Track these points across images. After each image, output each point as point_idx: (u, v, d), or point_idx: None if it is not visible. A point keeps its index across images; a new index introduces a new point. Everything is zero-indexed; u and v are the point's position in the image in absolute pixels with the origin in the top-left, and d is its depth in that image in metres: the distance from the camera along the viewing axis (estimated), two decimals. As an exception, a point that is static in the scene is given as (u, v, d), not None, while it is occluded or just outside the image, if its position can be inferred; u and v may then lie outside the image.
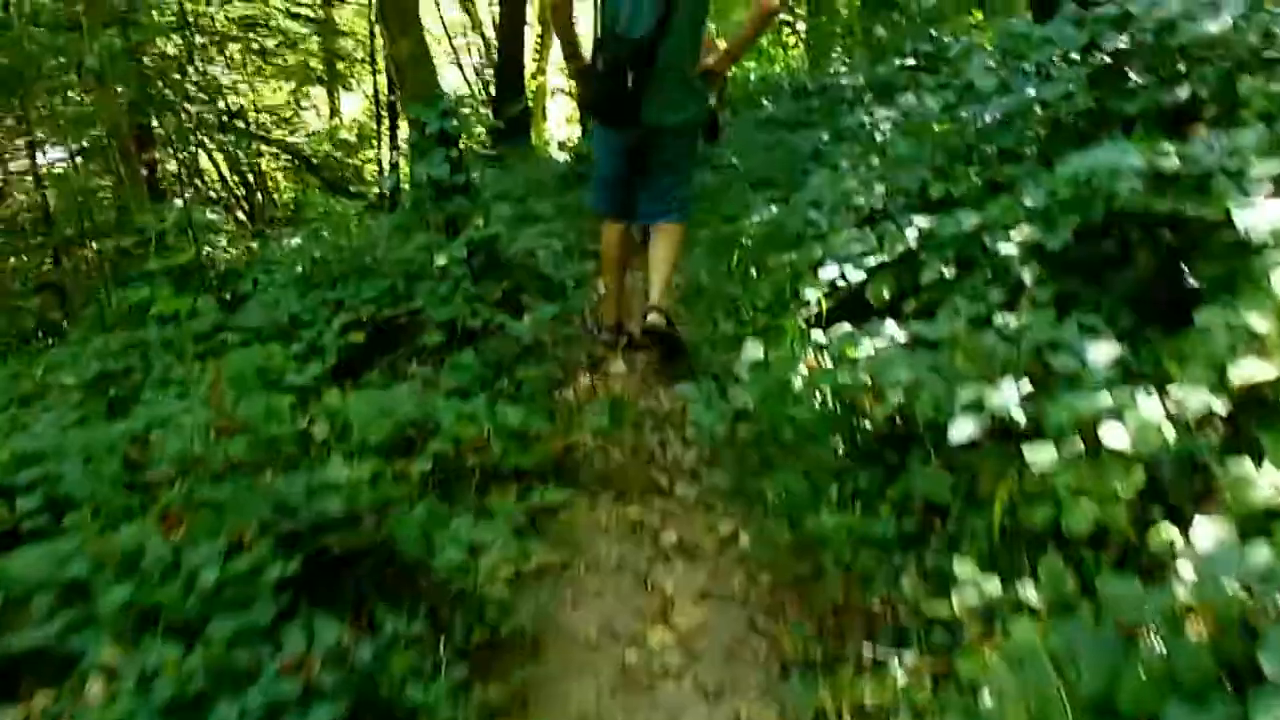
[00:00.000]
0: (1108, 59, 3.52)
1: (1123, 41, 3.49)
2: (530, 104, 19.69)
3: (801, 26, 16.40)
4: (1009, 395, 2.19)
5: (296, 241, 5.78)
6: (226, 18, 13.20)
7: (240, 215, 14.14)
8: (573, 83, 4.58)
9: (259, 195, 14.07)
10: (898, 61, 6.55)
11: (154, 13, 9.30)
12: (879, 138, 4.60)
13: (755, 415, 3.07)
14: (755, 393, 3.03)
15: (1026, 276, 2.96)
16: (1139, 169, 2.86)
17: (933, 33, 7.39)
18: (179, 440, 2.53)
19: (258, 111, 14.49)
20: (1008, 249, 3.05)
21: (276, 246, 5.57)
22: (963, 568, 2.06)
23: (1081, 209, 2.93)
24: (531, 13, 16.26)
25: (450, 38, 18.68)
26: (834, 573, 2.47)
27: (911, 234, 3.32)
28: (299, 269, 4.91)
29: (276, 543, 2.07)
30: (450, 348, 3.82)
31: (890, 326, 3.08)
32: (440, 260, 4.12)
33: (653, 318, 3.93)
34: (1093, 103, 3.48)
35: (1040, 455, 2.02)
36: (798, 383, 3.02)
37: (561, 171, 9.20)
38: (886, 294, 3.34)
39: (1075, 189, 2.96)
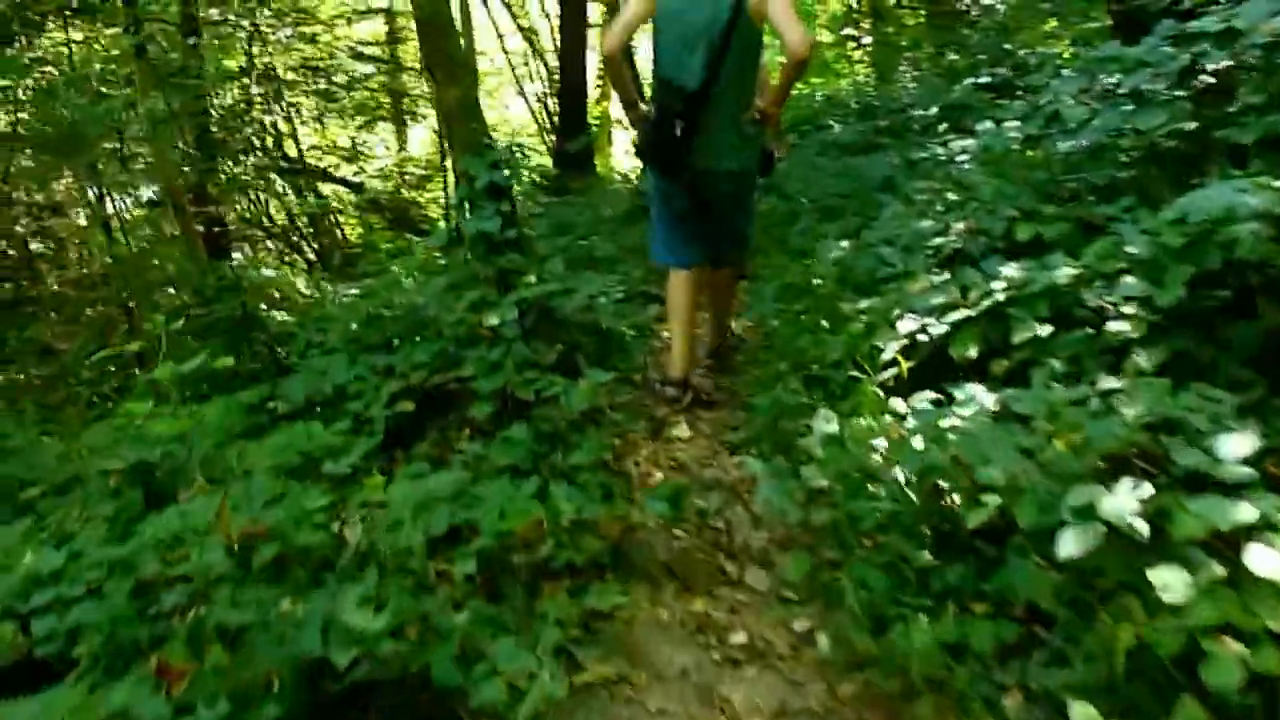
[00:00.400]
0: (1211, 80, 3.17)
1: (1229, 61, 3.13)
2: (595, 132, 19.65)
3: (867, 40, 15.99)
4: (1125, 502, 1.87)
5: (354, 292, 5.63)
6: (287, 65, 13.32)
7: (310, 258, 14.22)
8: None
9: (326, 238, 14.13)
10: (970, 81, 6.19)
11: (211, 66, 9.39)
12: (954, 170, 4.26)
13: (830, 495, 2.78)
14: (830, 472, 2.75)
15: (1133, 335, 2.63)
16: (1258, 210, 2.53)
17: (1006, 46, 7.00)
18: (199, 553, 2.33)
19: (323, 152, 14.57)
20: (1109, 303, 2.72)
21: (332, 301, 5.43)
22: (1080, 710, 1.75)
23: (1195, 257, 2.59)
24: (593, 41, 16.17)
25: (513, 67, 18.68)
26: (925, 690, 2.17)
27: (999, 285, 2.99)
28: (353, 325, 4.76)
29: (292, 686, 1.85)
30: (502, 419, 3.60)
31: (978, 392, 2.77)
32: (491, 320, 3.91)
33: (697, 380, 4.17)
34: (1196, 131, 3.13)
35: (1169, 581, 1.70)
36: (876, 458, 2.74)
37: (625, 206, 8.97)
38: (972, 352, 3.02)
39: (1186, 234, 2.62)
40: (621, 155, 19.23)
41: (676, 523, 3.15)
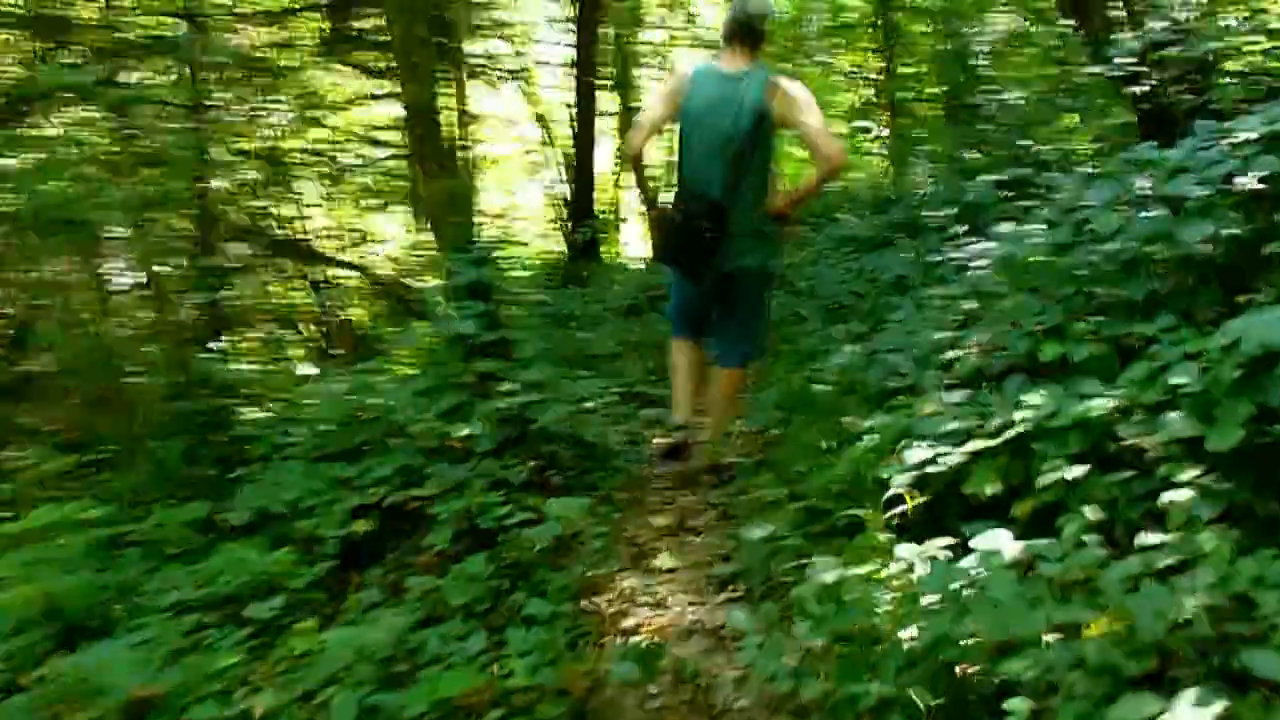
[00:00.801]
0: (1260, 187, 2.83)
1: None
2: (604, 221, 19.57)
3: (883, 133, 15.89)
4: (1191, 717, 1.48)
5: (338, 387, 5.29)
6: (294, 149, 13.24)
7: (315, 343, 13.97)
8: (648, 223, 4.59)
9: (332, 322, 13.89)
10: (987, 178, 5.91)
11: (214, 149, 9.30)
12: (971, 275, 3.92)
13: (825, 659, 2.38)
14: (825, 633, 2.35)
15: (1181, 480, 2.25)
16: (1327, 338, 2.17)
17: (1024, 142, 6.73)
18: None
19: (328, 236, 14.44)
20: (1152, 442, 2.35)
21: (307, 398, 5.09)
22: None
23: (1253, 392, 2.22)
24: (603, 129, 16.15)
25: (529, 154, 18.69)
26: None
27: (1023, 414, 2.63)
28: (321, 427, 4.41)
29: None
30: (463, 546, 3.23)
31: (1000, 541, 2.39)
32: (461, 432, 3.56)
33: (674, 437, 4.20)
34: (1244, 243, 2.79)
35: None
36: (880, 618, 2.34)
37: (629, 297, 8.68)
38: (991, 489, 2.64)
39: (1241, 364, 2.25)
40: (634, 241, 19.12)
41: (650, 678, 2.74)
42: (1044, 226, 3.54)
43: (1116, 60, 6.64)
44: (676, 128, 3.98)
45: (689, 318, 4.26)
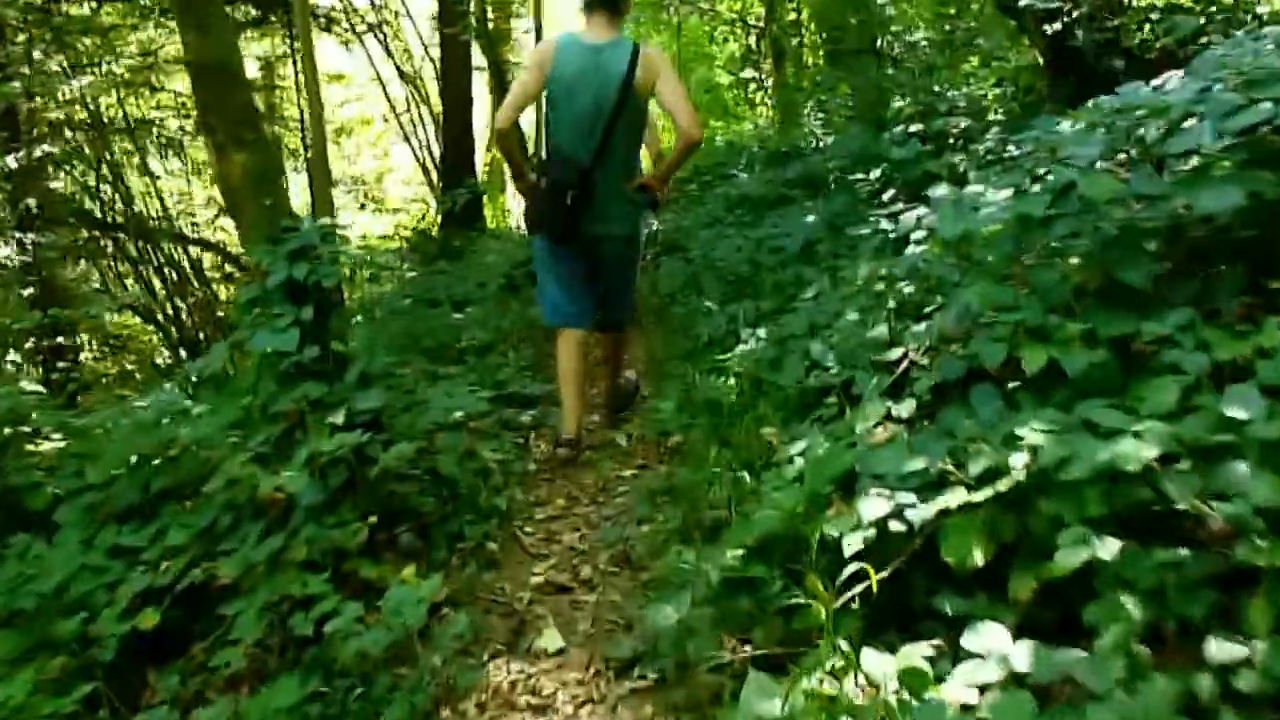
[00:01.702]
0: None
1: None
2: (483, 183, 18.53)
3: (770, 83, 15.21)
4: None
5: (140, 408, 4.32)
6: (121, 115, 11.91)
7: (169, 329, 12.72)
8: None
9: (193, 308, 12.65)
10: (900, 129, 5.25)
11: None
12: (911, 255, 3.24)
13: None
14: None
15: (1258, 565, 1.60)
16: None
17: (937, 88, 6.10)
18: None
19: (178, 212, 13.12)
20: (1205, 505, 1.68)
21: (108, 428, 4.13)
22: None
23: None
24: (483, 85, 15.08)
25: (397, 114, 17.45)
26: None
27: (1018, 459, 1.94)
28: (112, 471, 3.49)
29: None
30: (276, 656, 2.41)
31: (1002, 644, 1.72)
32: (268, 486, 2.73)
33: (561, 453, 4.11)
34: (1274, 212, 2.15)
35: None
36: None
37: (507, 269, 7.80)
38: (977, 558, 1.96)
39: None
40: (515, 204, 18.15)
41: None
42: (1005, 190, 2.84)
43: (1027, -5, 6.06)
44: (544, 98, 4.05)
45: (563, 296, 4.23)
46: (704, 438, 3.58)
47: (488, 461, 3.80)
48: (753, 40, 17.40)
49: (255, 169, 3.40)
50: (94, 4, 11.84)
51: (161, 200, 13.18)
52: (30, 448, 4.04)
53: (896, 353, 2.89)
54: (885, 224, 3.78)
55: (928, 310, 3.02)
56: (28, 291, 10.52)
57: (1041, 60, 7.23)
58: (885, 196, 4.43)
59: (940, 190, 3.41)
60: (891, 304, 3.12)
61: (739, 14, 16.11)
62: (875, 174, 4.93)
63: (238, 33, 12.51)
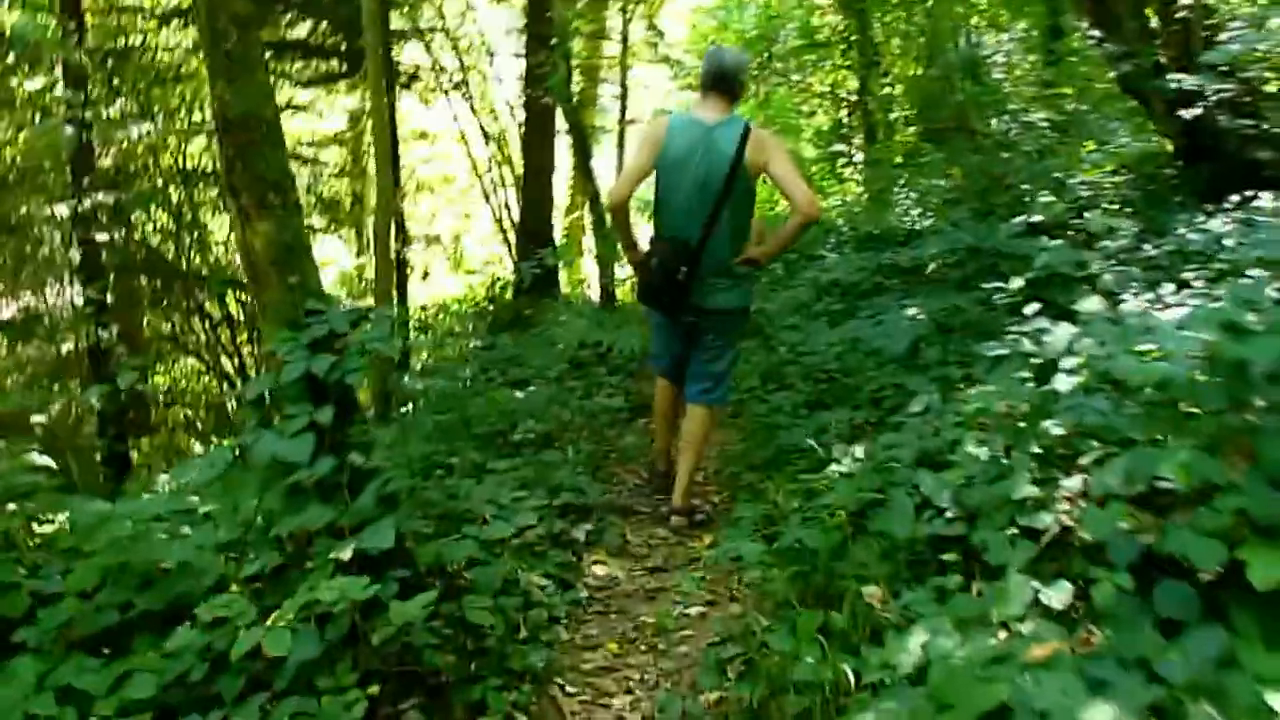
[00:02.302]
0: None
1: None
2: (561, 249, 18.25)
3: (859, 157, 14.67)
4: None
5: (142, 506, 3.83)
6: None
7: (231, 371, 12.53)
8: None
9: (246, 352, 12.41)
10: (1020, 220, 4.64)
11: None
12: (1064, 379, 2.63)
13: None
14: None
15: None
16: None
17: (1059, 175, 5.49)
18: None
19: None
20: None
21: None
22: None
23: None
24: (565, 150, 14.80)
25: (479, 174, 17.29)
26: None
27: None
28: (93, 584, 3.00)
29: None
30: None
31: None
32: (247, 643, 2.20)
33: (675, 520, 4.27)
34: None
35: None
36: None
37: (575, 345, 7.28)
38: None
39: None
40: (591, 271, 17.79)
41: None
42: (1176, 309, 2.23)
43: (1169, 77, 5.45)
44: (654, 176, 4.05)
45: (668, 358, 4.46)
46: (788, 588, 2.96)
47: (530, 590, 3.25)
48: (844, 114, 16.95)
49: (281, 241, 2.93)
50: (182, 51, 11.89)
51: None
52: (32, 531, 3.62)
53: (1045, 519, 2.27)
54: (1014, 335, 3.17)
55: (1083, 461, 2.40)
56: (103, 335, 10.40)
57: (1171, 147, 6.58)
58: (1006, 296, 3.77)
59: (1091, 303, 2.80)
60: (1035, 448, 2.50)
61: (831, 87, 15.65)
62: (1001, 274, 4.28)
63: (324, 86, 12.43)
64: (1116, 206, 5.66)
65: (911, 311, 5.56)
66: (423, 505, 3.41)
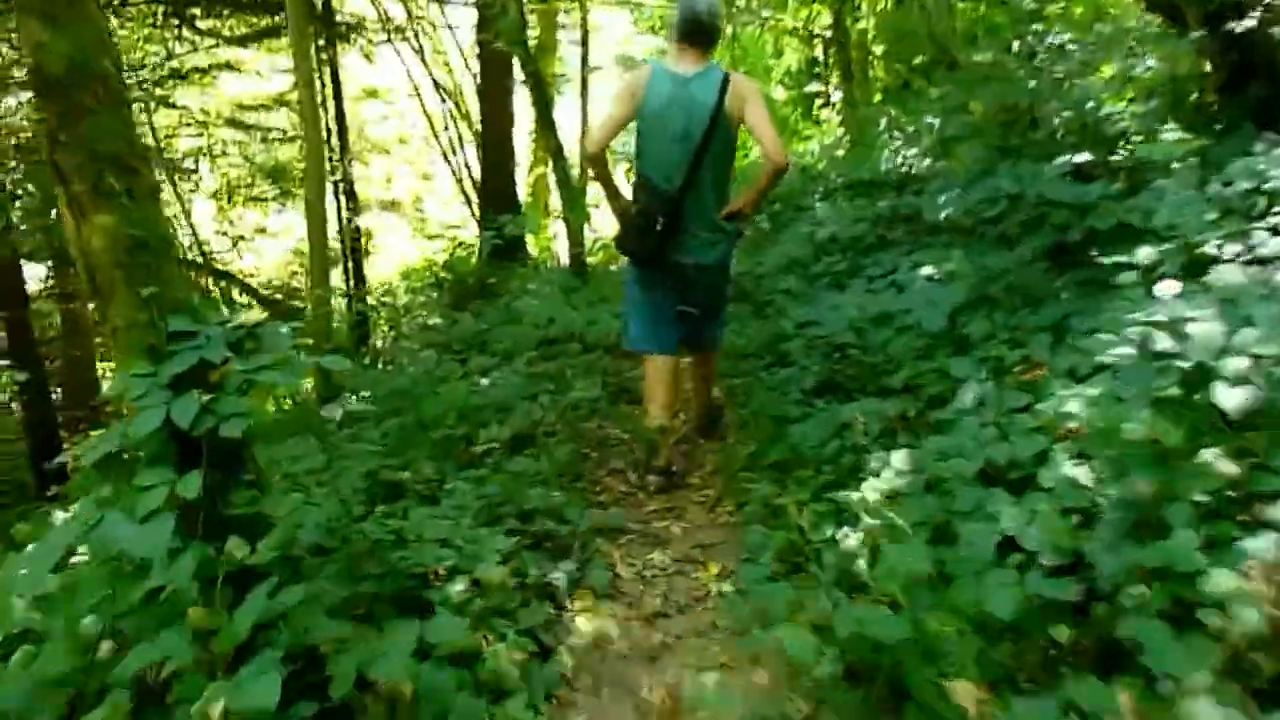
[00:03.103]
0: None
1: None
2: (526, 213, 17.35)
3: (837, 96, 13.79)
4: None
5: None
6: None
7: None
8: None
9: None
10: (1063, 159, 3.88)
11: None
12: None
13: None
14: None
15: None
16: None
17: (1092, 104, 4.68)
18: None
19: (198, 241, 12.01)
20: None
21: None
22: None
23: None
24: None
25: (436, 134, 16.31)
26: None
27: None
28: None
29: None
30: None
31: None
32: None
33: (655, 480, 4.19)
34: None
35: None
36: None
37: (540, 329, 6.45)
38: None
39: None
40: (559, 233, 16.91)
41: None
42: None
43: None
44: (636, 129, 4.04)
45: (652, 321, 4.26)
46: (834, 665, 2.23)
47: (495, 668, 2.51)
48: (818, 52, 16.05)
49: (127, 238, 2.14)
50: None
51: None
52: None
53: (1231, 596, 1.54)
54: (1117, 315, 2.43)
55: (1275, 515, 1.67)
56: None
57: (1210, 68, 5.80)
58: (1111, 269, 2.99)
59: (1229, 273, 2.06)
60: (1201, 496, 1.76)
61: (803, 23, 14.70)
62: (1059, 227, 3.46)
63: (260, 42, 11.38)
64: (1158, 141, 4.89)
65: (926, 270, 4.82)
66: (354, 562, 2.65)
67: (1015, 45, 5.43)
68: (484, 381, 5.54)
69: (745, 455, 4.16)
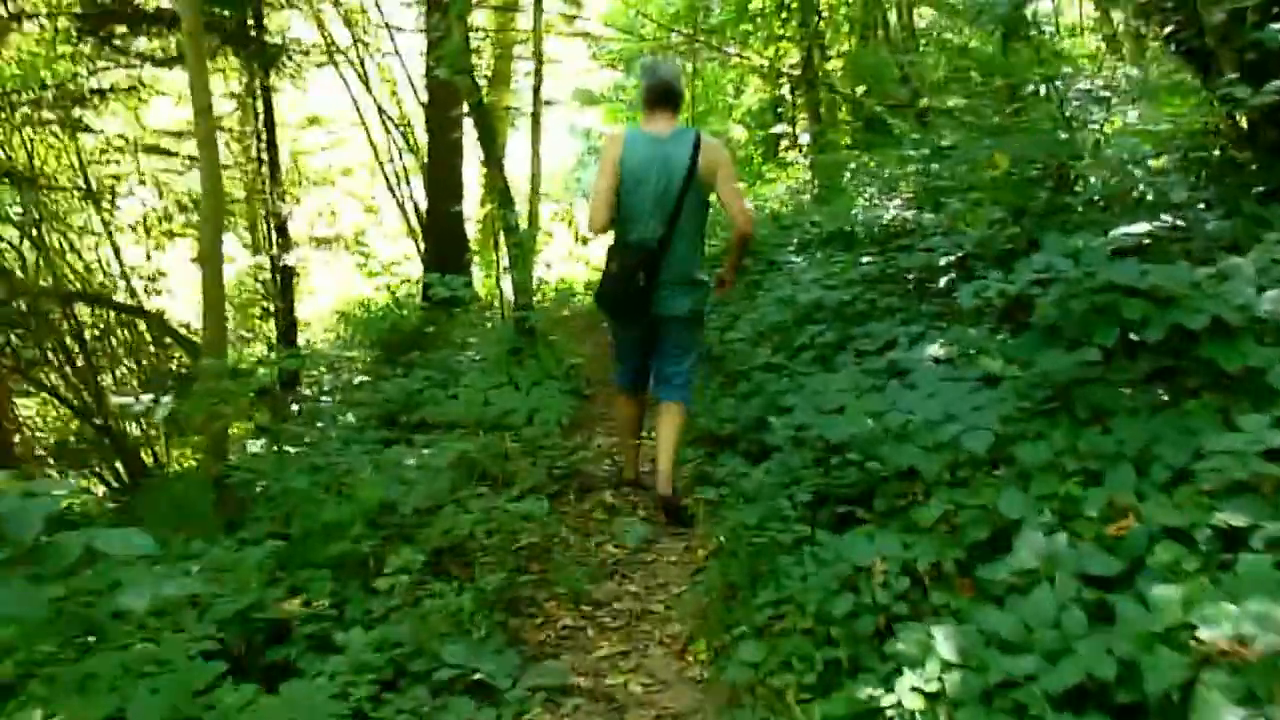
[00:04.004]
0: None
1: None
2: (478, 242, 16.51)
3: (805, 139, 13.09)
4: None
5: None
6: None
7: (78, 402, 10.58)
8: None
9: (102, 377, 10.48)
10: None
11: None
12: None
13: None
14: None
15: None
16: None
17: (1112, 149, 3.92)
18: None
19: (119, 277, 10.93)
20: None
21: None
22: None
23: None
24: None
25: (381, 165, 15.41)
26: None
27: None
28: None
29: None
30: None
31: None
32: None
33: (662, 492, 4.33)
34: None
35: None
36: None
37: (479, 391, 5.58)
38: None
39: None
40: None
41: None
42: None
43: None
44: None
45: (630, 368, 4.62)
46: None
47: None
48: (783, 90, 15.41)
49: None
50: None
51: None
52: None
53: None
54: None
55: None
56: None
57: (1245, 125, 5.14)
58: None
59: None
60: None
61: (770, 61, 14.02)
62: (1129, 323, 2.68)
63: (169, 65, 10.36)
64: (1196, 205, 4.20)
65: (933, 351, 4.07)
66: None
67: (1036, 90, 4.69)
68: (409, 461, 4.68)
69: (722, 584, 3.35)
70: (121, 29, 9.76)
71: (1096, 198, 3.89)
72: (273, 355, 10.44)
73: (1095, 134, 4.16)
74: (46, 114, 9.86)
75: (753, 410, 4.58)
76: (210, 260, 4.52)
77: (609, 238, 4.34)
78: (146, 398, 4.40)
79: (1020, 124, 4.75)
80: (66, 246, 10.86)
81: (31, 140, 10.21)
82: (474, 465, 4.64)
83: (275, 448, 4.54)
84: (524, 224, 10.58)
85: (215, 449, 4.61)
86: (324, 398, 7.41)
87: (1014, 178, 4.17)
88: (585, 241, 6.90)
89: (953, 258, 4.93)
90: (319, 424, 6.21)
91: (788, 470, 3.68)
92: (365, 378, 7.20)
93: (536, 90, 11.76)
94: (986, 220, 4.24)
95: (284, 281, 10.82)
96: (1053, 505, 2.49)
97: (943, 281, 5.00)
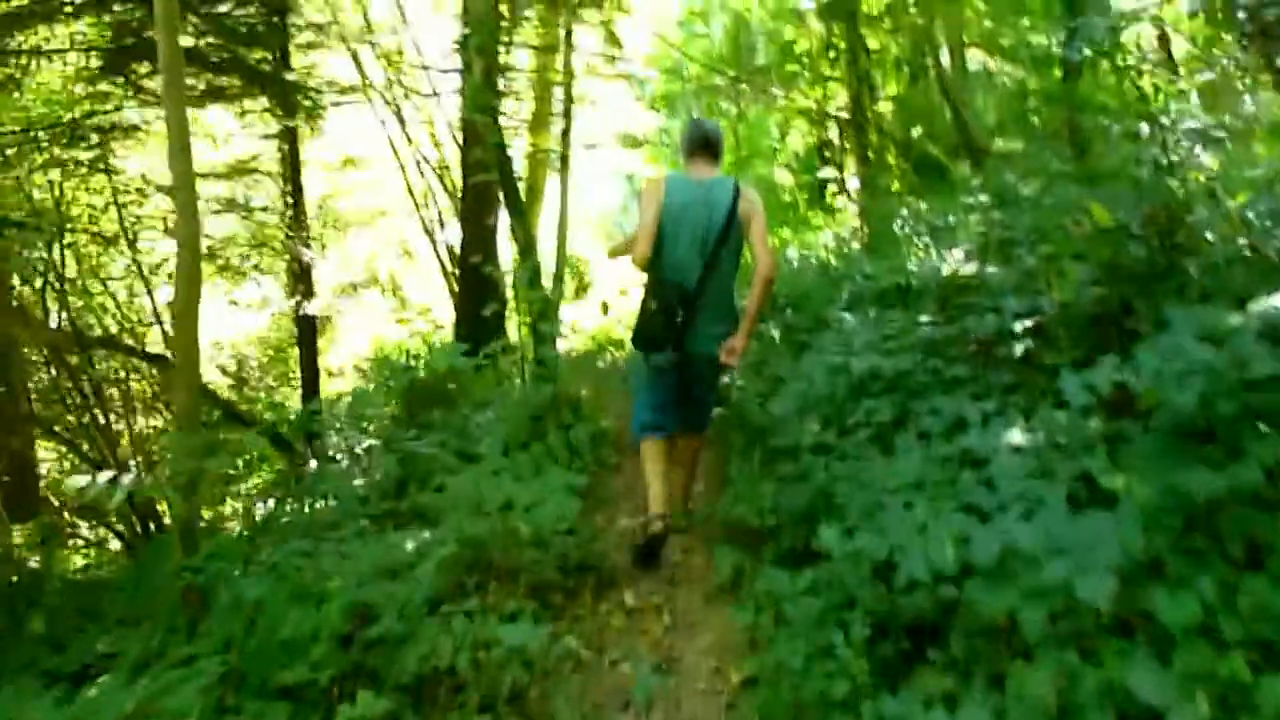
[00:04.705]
0: None
1: None
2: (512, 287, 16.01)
3: (854, 184, 12.49)
4: None
5: None
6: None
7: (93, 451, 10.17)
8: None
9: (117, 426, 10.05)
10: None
11: None
12: None
13: None
14: None
15: None
16: None
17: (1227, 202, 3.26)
18: None
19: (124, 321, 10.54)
20: None
21: None
22: None
23: None
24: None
25: (418, 208, 15.04)
26: None
27: None
28: None
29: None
30: None
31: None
32: None
33: (654, 526, 4.35)
34: None
35: None
36: None
37: (490, 476, 4.97)
38: None
39: None
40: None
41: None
42: None
43: None
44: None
45: (659, 406, 4.59)
46: None
47: None
48: (830, 134, 14.82)
49: None
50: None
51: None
52: None
53: None
54: None
55: None
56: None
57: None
58: None
59: None
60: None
61: (818, 102, 13.46)
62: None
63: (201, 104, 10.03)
64: None
65: (1014, 438, 3.40)
66: None
67: (1138, 129, 4.02)
68: (408, 546, 4.09)
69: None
70: (144, 68, 9.47)
71: (1219, 260, 3.21)
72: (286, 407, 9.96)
73: (1210, 181, 3.49)
74: (71, 153, 9.57)
75: (799, 500, 3.92)
76: (183, 319, 3.98)
77: (643, 276, 4.41)
78: (104, 477, 3.86)
79: (1100, 169, 4.10)
80: (95, 290, 10.55)
81: (57, 184, 9.94)
82: (479, 548, 4.05)
83: (247, 533, 3.97)
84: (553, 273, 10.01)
85: (184, 535, 4.04)
86: (335, 459, 6.91)
87: (1109, 233, 3.50)
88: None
89: (1029, 322, 4.26)
90: (323, 492, 5.70)
91: (839, 586, 3.03)
92: (374, 441, 6.63)
93: (565, 133, 11.29)
94: (1076, 281, 3.57)
95: (307, 330, 10.34)
96: (1210, 689, 1.81)
97: (1018, 349, 4.33)
